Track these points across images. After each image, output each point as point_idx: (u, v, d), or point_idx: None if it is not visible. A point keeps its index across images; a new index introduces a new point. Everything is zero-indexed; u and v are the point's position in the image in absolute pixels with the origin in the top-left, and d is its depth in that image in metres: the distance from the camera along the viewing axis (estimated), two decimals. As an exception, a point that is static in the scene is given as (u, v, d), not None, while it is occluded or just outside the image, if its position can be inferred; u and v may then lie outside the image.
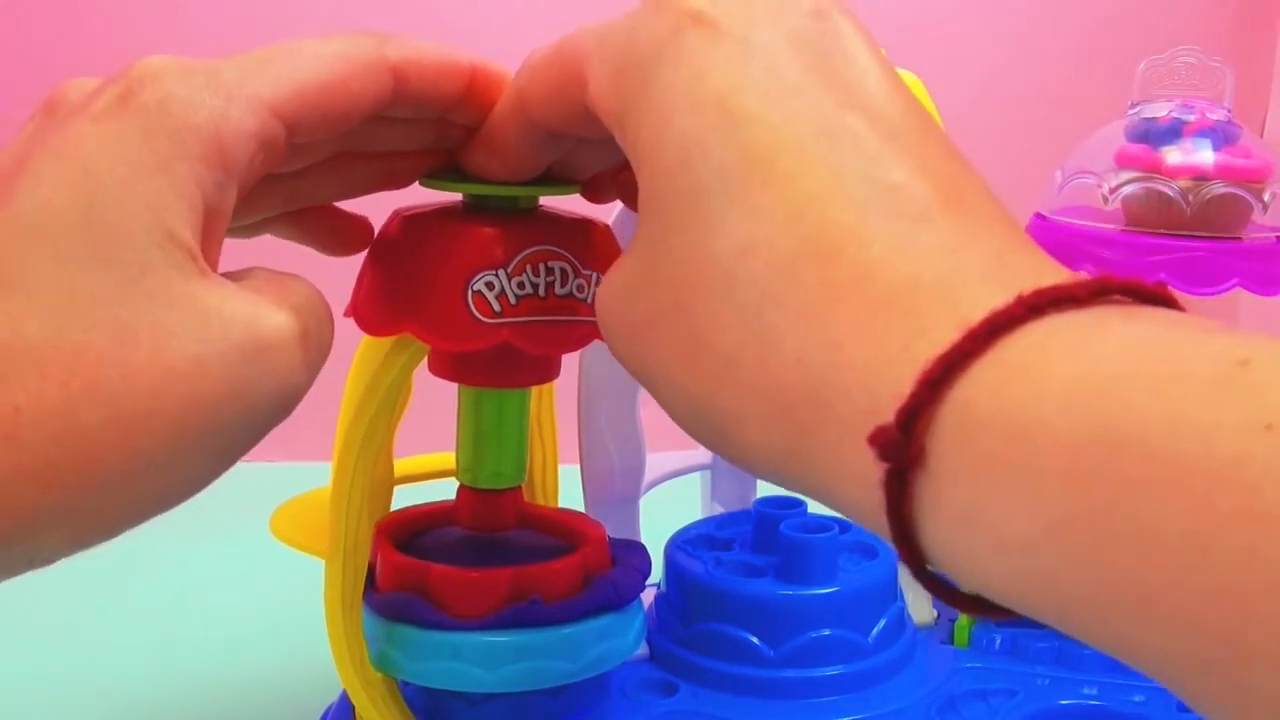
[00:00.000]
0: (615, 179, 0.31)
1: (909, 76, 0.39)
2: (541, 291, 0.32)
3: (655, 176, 0.22)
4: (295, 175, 0.30)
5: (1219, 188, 0.43)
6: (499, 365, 0.35)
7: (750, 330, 0.20)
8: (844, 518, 0.20)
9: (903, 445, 0.17)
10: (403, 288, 0.33)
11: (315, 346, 0.23)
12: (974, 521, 0.17)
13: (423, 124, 0.30)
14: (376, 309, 0.33)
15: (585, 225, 0.34)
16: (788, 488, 0.21)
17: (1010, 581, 0.17)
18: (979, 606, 0.18)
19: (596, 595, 0.35)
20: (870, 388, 0.18)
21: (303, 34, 0.27)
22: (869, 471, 0.18)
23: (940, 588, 0.19)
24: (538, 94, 0.27)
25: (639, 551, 0.39)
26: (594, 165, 0.31)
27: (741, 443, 0.21)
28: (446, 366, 0.36)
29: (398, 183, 0.32)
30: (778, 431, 0.20)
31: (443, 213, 0.33)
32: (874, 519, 0.18)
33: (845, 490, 0.19)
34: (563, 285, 0.33)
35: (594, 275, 0.33)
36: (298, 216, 0.31)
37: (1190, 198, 0.43)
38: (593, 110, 0.25)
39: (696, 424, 0.22)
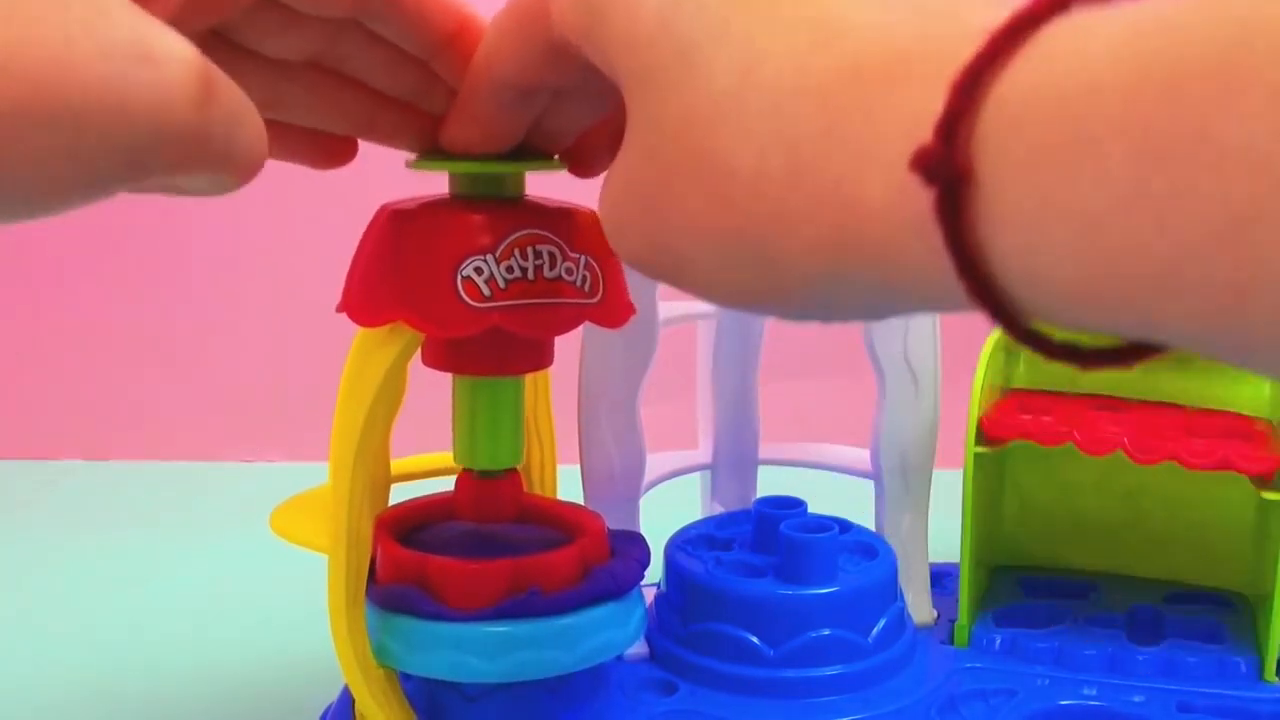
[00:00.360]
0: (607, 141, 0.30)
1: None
2: (530, 275, 0.32)
3: (636, 53, 0.22)
4: (274, 74, 0.29)
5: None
6: (492, 353, 0.35)
7: (772, 130, 0.19)
8: (915, 300, 0.18)
9: (946, 157, 0.16)
10: (393, 278, 0.33)
11: (221, 103, 0.21)
12: (1045, 217, 0.15)
13: (407, 64, 0.30)
14: (368, 300, 0.34)
15: (572, 210, 0.34)
16: (846, 301, 0.20)
17: (1096, 280, 0.15)
18: (1071, 353, 0.17)
19: (595, 585, 0.35)
20: (907, 127, 0.17)
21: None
22: (922, 209, 0.17)
23: (1030, 336, 0.17)
24: (505, 45, 0.27)
25: (638, 542, 0.38)
26: (572, 126, 0.31)
27: (789, 259, 0.19)
28: (440, 357, 0.36)
29: (377, 134, 0.32)
30: (825, 220, 0.18)
31: (429, 204, 0.34)
32: (938, 273, 0.17)
33: (903, 249, 0.17)
34: (551, 268, 0.33)
35: (582, 258, 0.33)
36: (280, 129, 0.31)
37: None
38: (561, 37, 0.24)
39: (737, 264, 0.20)
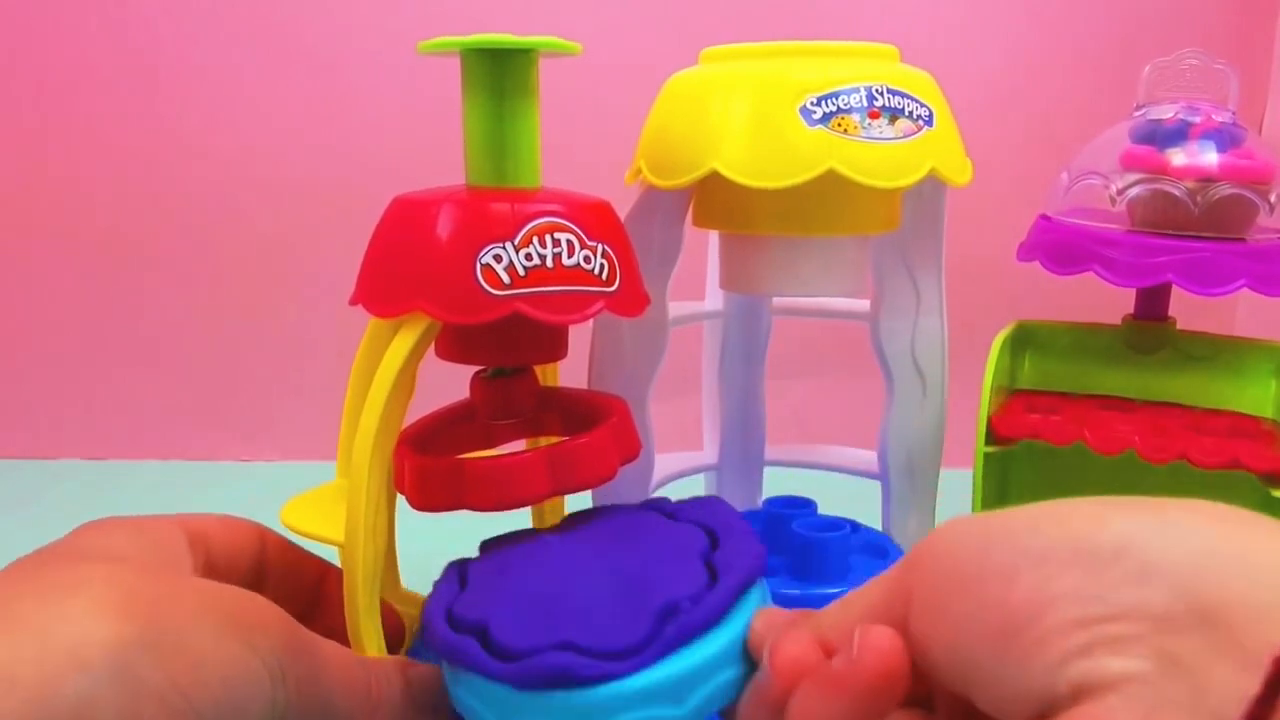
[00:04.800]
0: None
1: (921, 75, 0.39)
2: (549, 262, 0.33)
3: None
4: None
5: (1225, 189, 0.43)
6: (508, 344, 0.35)
7: None
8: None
9: None
10: (410, 267, 0.33)
11: None
12: None
13: None
14: (384, 291, 0.34)
15: (588, 201, 0.34)
16: None
17: None
18: None
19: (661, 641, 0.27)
20: None
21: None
22: None
23: None
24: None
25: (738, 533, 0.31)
26: None
27: None
28: (454, 349, 0.36)
29: None
30: None
31: (446, 194, 0.34)
32: None
33: None
34: (570, 256, 0.33)
35: (599, 246, 0.33)
36: None
37: (1196, 199, 0.43)
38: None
39: None
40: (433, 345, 0.36)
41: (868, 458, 0.49)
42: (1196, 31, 0.70)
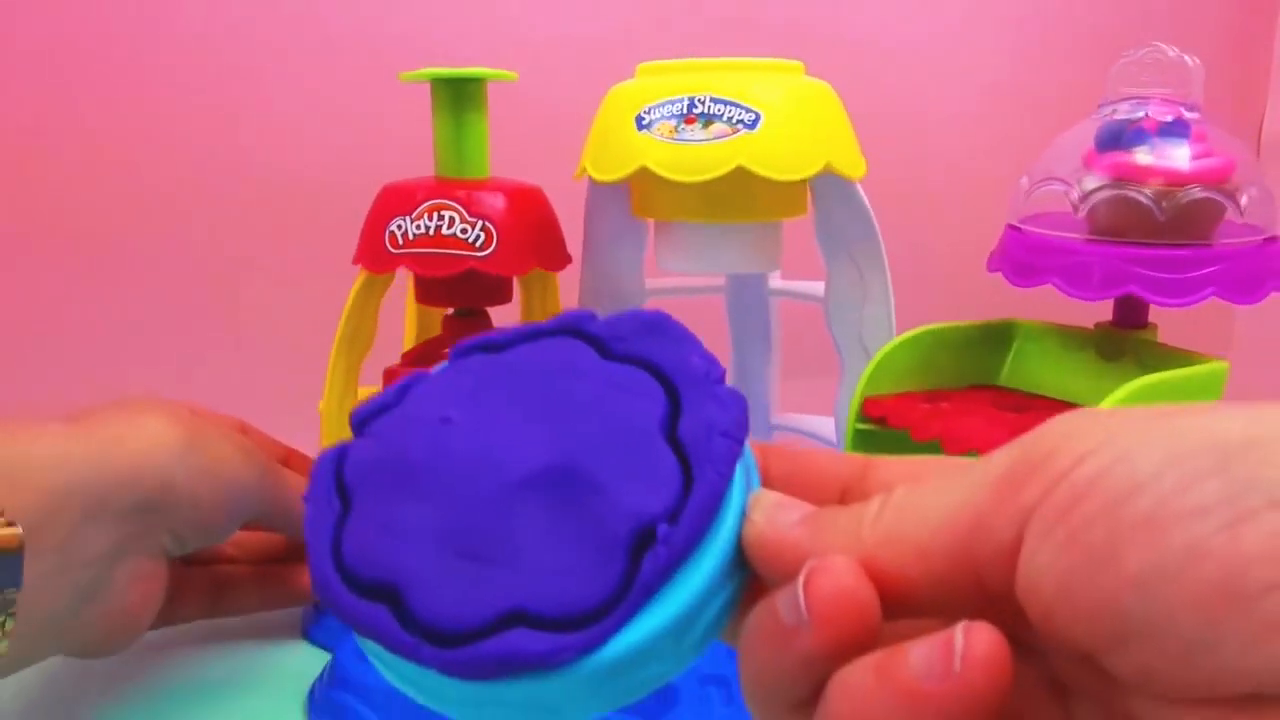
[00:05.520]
0: None
1: (819, 85, 0.45)
2: (432, 231, 0.46)
3: None
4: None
5: (1131, 189, 0.42)
6: (460, 293, 0.49)
7: None
8: None
9: None
10: (366, 233, 0.48)
11: None
12: None
13: None
14: (358, 250, 0.49)
15: (489, 187, 0.47)
16: None
17: None
18: None
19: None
20: None
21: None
22: None
23: None
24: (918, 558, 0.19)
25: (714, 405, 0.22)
26: None
27: None
28: (425, 296, 0.50)
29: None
30: None
31: (407, 182, 0.48)
32: None
33: None
34: (449, 228, 0.46)
35: (479, 221, 0.46)
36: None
37: (1079, 199, 0.43)
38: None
39: None
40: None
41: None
42: (1196, 31, 0.59)
